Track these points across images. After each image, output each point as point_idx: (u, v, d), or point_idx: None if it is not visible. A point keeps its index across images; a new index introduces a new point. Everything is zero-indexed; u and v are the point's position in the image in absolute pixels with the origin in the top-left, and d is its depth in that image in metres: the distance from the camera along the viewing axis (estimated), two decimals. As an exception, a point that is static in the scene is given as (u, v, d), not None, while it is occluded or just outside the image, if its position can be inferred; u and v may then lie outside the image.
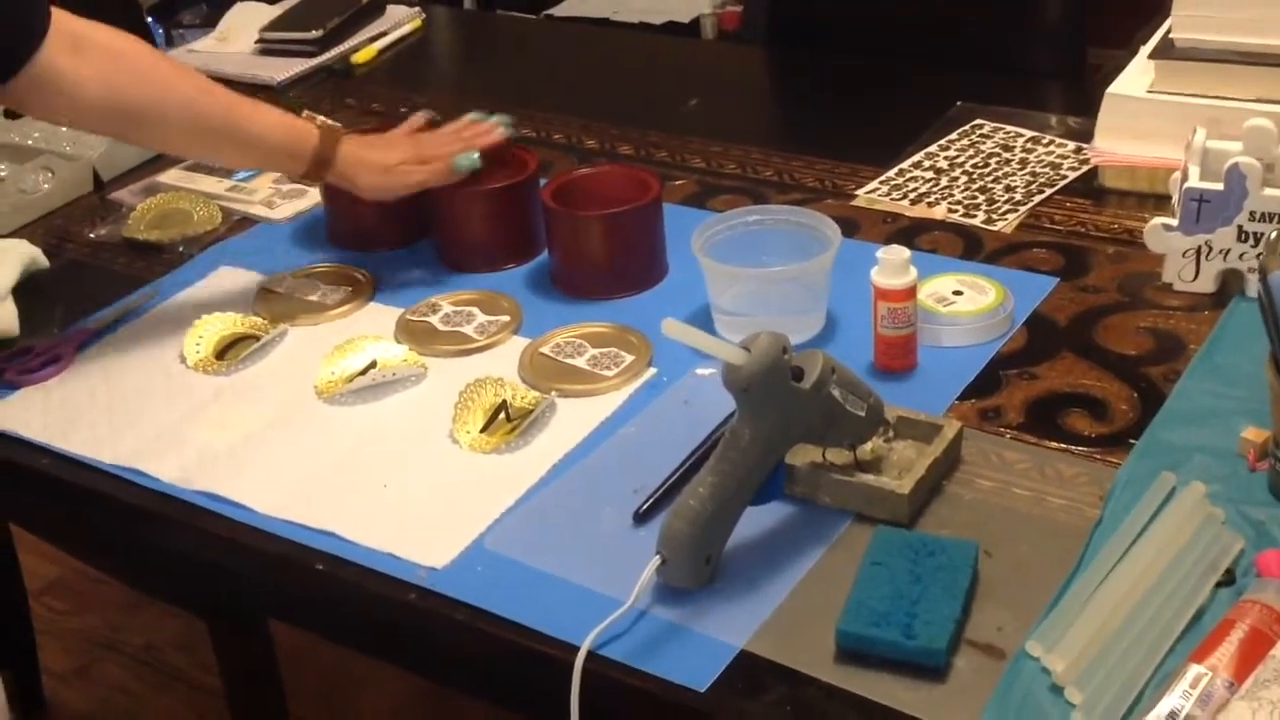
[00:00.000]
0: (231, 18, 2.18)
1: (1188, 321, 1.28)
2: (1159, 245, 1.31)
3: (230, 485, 1.18)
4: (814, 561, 1.04)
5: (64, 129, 1.73)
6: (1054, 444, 1.14)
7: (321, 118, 1.54)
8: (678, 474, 1.12)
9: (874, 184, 1.57)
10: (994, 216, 1.48)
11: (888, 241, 1.40)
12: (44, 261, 1.53)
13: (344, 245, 1.54)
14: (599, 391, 1.25)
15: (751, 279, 1.30)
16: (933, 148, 1.63)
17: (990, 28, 1.98)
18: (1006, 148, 1.62)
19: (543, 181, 1.47)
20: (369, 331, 1.37)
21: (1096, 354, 1.25)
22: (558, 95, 1.90)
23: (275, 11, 2.15)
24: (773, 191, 1.58)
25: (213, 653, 1.68)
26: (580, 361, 1.29)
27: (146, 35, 2.48)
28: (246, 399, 1.31)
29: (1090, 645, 0.91)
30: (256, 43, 2.09)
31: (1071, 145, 1.60)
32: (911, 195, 1.54)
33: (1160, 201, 1.44)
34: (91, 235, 1.62)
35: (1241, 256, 1.27)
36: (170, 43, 2.61)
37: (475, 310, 1.39)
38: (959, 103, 1.73)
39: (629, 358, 1.29)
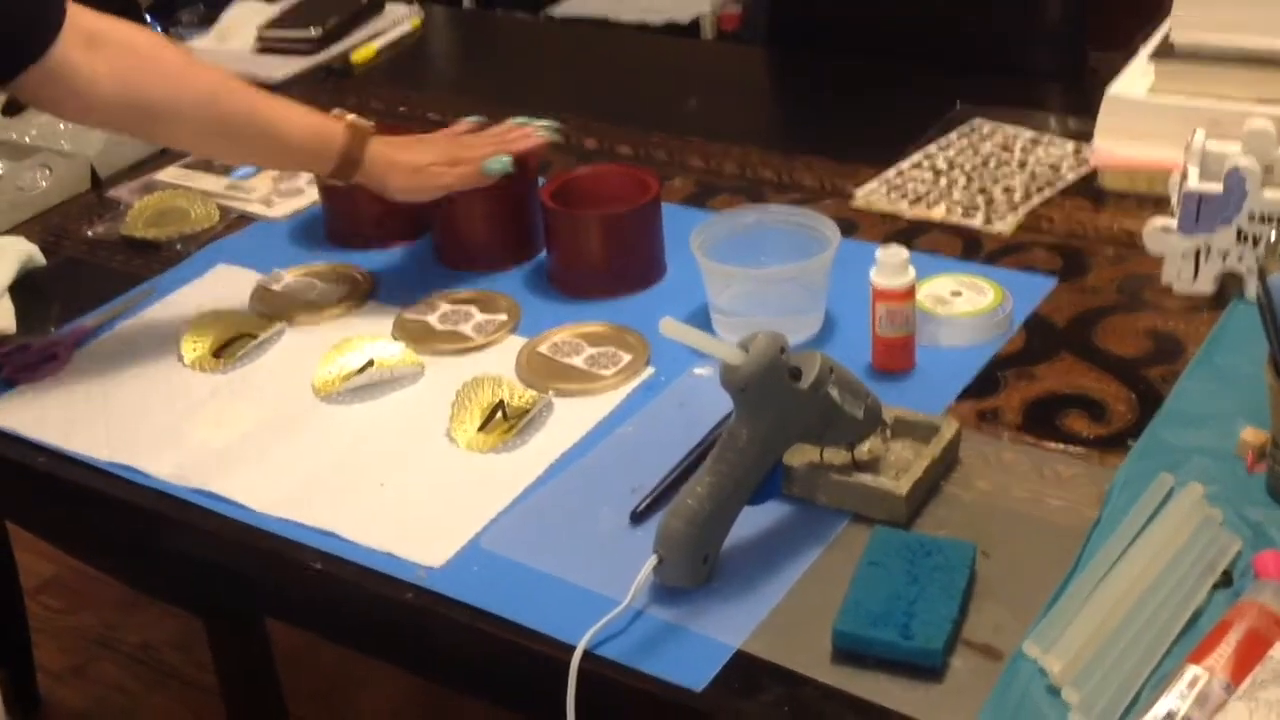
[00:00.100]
0: (230, 16, 2.18)
1: (1186, 323, 1.27)
2: (1158, 247, 1.31)
3: (227, 484, 1.18)
4: (811, 562, 1.04)
5: (62, 126, 1.72)
6: (1052, 445, 1.14)
7: (352, 116, 1.51)
8: (675, 474, 1.12)
9: (873, 184, 1.57)
10: (993, 217, 1.48)
11: (886, 242, 1.40)
12: (41, 259, 1.53)
13: (342, 244, 1.54)
14: (596, 391, 1.25)
15: (750, 279, 1.30)
16: (932, 148, 1.63)
17: (990, 28, 1.98)
18: (1006, 148, 1.62)
19: (541, 181, 1.47)
20: (366, 330, 1.37)
21: (1095, 355, 1.24)
22: (556, 95, 1.90)
23: (274, 10, 2.15)
24: (772, 191, 1.58)
25: (209, 651, 1.68)
26: (578, 361, 1.29)
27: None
28: (244, 397, 1.30)
29: (1087, 646, 0.91)
30: (256, 41, 2.09)
31: (1071, 146, 1.60)
32: (910, 196, 1.54)
33: (1160, 203, 1.43)
34: (89, 233, 1.62)
35: (1241, 258, 1.27)
36: (169, 41, 2.61)
37: (473, 309, 1.39)
38: (959, 103, 1.72)
39: (627, 357, 1.29)
